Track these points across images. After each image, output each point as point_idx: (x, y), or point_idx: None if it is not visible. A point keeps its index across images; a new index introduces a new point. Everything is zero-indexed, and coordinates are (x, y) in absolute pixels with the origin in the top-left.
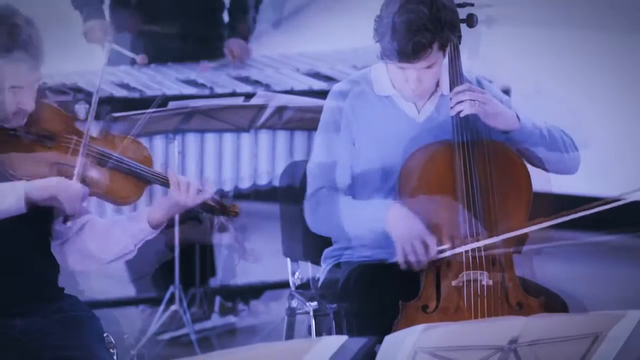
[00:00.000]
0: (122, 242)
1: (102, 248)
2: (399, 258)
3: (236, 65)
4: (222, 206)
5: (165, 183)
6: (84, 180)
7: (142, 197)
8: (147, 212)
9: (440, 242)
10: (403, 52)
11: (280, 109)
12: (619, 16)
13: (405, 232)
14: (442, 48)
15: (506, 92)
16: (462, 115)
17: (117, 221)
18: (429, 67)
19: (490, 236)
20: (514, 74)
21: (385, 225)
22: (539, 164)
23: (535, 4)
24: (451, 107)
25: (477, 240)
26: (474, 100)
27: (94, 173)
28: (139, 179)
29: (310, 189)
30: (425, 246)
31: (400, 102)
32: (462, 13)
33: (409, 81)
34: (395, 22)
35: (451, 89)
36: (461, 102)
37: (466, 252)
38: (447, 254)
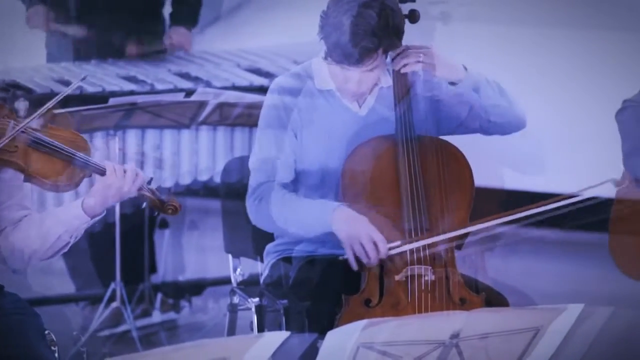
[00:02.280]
0: (57, 232)
1: (37, 241)
2: (349, 259)
3: (177, 54)
4: (159, 200)
5: (102, 172)
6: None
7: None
8: (82, 199)
9: (388, 239)
10: (349, 55)
11: (221, 105)
12: (573, 13)
13: (353, 233)
14: (386, 52)
15: None
16: (405, 70)
17: (52, 211)
18: (371, 69)
19: (433, 231)
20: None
21: (332, 227)
22: (492, 119)
23: (490, 2)
24: (398, 69)
25: (422, 236)
26: (417, 55)
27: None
28: (75, 166)
29: (252, 184)
30: (375, 245)
31: (342, 96)
32: (404, 9)
33: (350, 82)
34: (343, 24)
35: (395, 86)
36: (405, 59)
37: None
38: (398, 250)
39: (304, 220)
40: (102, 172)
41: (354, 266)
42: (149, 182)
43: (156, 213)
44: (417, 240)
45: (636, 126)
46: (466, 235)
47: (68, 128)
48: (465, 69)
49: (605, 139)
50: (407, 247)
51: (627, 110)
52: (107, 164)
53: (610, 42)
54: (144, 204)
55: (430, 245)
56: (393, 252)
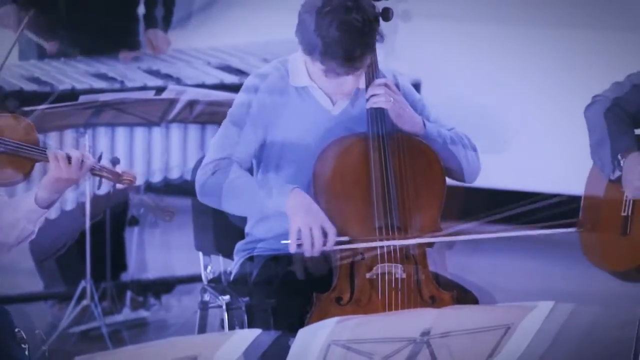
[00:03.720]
0: (18, 224)
1: (1, 233)
2: (291, 241)
3: (156, 57)
4: (114, 174)
5: (46, 160)
6: None
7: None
8: (35, 190)
9: (352, 235)
10: (344, 65)
11: (192, 103)
12: (537, 10)
13: (306, 217)
14: (372, 51)
15: (416, 85)
16: (375, 106)
17: (9, 203)
18: (364, 68)
19: (405, 228)
20: (430, 68)
21: (286, 207)
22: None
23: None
24: (367, 100)
25: (392, 233)
26: (389, 96)
27: None
28: (21, 158)
29: (209, 158)
30: (324, 234)
31: (316, 94)
32: (378, 6)
33: (345, 85)
34: (334, 38)
35: (367, 82)
36: (378, 95)
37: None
38: (345, 247)
39: (257, 199)
40: (47, 160)
41: (293, 248)
42: (99, 159)
43: (111, 189)
44: (382, 236)
45: (601, 120)
46: (442, 234)
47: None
48: (425, 125)
49: (574, 135)
50: (356, 245)
51: (595, 105)
52: (50, 153)
53: (576, 39)
54: (99, 184)
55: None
56: (339, 247)
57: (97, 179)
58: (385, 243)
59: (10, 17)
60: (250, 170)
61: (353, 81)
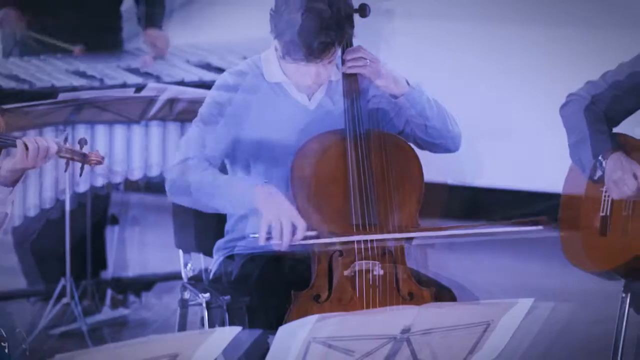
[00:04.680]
0: None
1: None
2: (260, 234)
3: (124, 55)
4: (80, 155)
5: (10, 144)
6: None
7: None
8: None
9: (329, 232)
10: (309, 52)
11: (171, 101)
12: (517, 9)
13: (276, 210)
14: (341, 43)
15: None
16: (351, 72)
17: None
18: (329, 62)
19: (382, 226)
20: (413, 66)
21: (255, 202)
22: (427, 138)
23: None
24: (343, 66)
25: (370, 230)
26: (366, 59)
27: None
28: None
29: (178, 158)
30: (293, 228)
31: (291, 90)
32: (355, 3)
33: (309, 76)
34: (297, 22)
35: (344, 81)
36: (353, 59)
37: (358, 242)
38: (313, 241)
39: (227, 195)
40: (13, 145)
41: (262, 240)
42: (65, 141)
43: (80, 172)
44: (359, 234)
45: (580, 119)
46: (418, 230)
47: None
48: (408, 84)
49: (550, 133)
50: (325, 240)
51: (571, 104)
52: (19, 141)
53: (555, 37)
54: (66, 167)
55: (378, 240)
56: (307, 242)
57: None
58: (355, 237)
59: (12, 19)
60: (222, 169)
61: (315, 74)
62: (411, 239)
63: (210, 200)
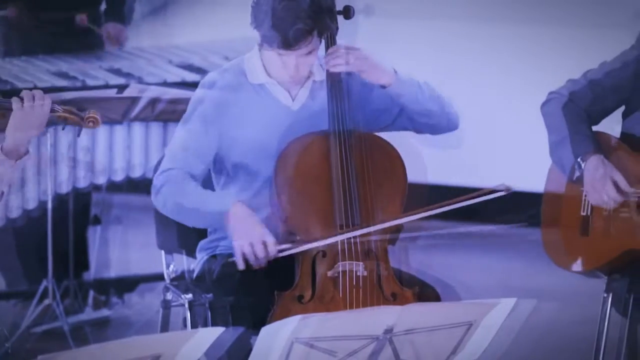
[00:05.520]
0: None
1: None
2: (237, 258)
3: (114, 49)
4: (77, 115)
5: (8, 106)
6: None
7: None
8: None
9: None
10: (285, 39)
11: (154, 101)
12: (498, 8)
13: (244, 233)
14: (320, 35)
15: None
16: (334, 70)
17: None
18: (308, 53)
19: (365, 226)
20: (392, 63)
21: (225, 221)
22: (424, 120)
23: None
24: (328, 68)
25: (354, 231)
26: (349, 56)
27: None
28: None
29: (162, 168)
30: (265, 246)
31: (275, 91)
32: (339, 4)
33: (287, 67)
34: (275, 9)
35: (328, 81)
36: (336, 57)
37: (342, 242)
38: (289, 252)
39: (201, 209)
40: (10, 107)
41: (241, 265)
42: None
43: (79, 134)
44: (342, 234)
45: (560, 118)
46: (399, 231)
47: None
48: (396, 72)
49: (533, 131)
50: (298, 249)
51: (552, 102)
52: (13, 98)
53: (537, 36)
54: (62, 127)
55: (362, 241)
56: (282, 254)
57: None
58: (335, 238)
59: None
60: (206, 180)
61: (294, 66)
62: (394, 240)
63: (185, 213)
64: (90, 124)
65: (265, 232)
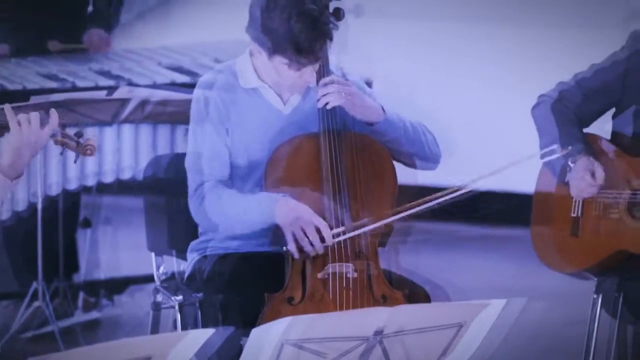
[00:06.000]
0: None
1: None
2: (290, 246)
3: (96, 57)
4: (76, 142)
5: (5, 126)
6: None
7: None
8: None
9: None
10: (307, 56)
11: (143, 103)
12: (484, 8)
13: (295, 221)
14: (331, 37)
15: (368, 84)
16: (328, 107)
17: None
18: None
19: (355, 227)
20: (381, 64)
21: (275, 217)
22: (403, 158)
23: None
24: (318, 99)
25: (343, 232)
26: (340, 92)
27: None
28: None
29: (193, 184)
30: (318, 231)
31: (267, 94)
32: (330, 6)
33: (302, 77)
34: (292, 29)
35: (318, 81)
36: (328, 93)
37: (331, 244)
38: (342, 238)
39: (246, 214)
40: (5, 126)
41: (296, 254)
42: (63, 127)
43: (75, 161)
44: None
45: (551, 121)
46: (390, 232)
47: None
48: (384, 111)
49: (524, 133)
50: (349, 235)
51: (542, 105)
52: (12, 117)
53: (528, 37)
54: (61, 152)
55: (351, 242)
56: (338, 239)
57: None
58: (352, 233)
59: None
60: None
61: (311, 72)
62: (385, 241)
63: (230, 220)
64: (88, 152)
65: (316, 217)
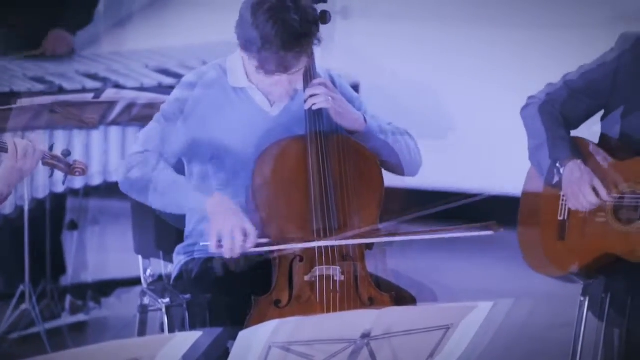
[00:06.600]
0: None
1: None
2: (211, 244)
3: (82, 55)
4: (65, 164)
5: (5, 149)
6: None
7: None
8: None
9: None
10: (283, 65)
11: (130, 105)
12: (473, 9)
13: (225, 219)
14: (311, 47)
15: (355, 87)
16: (315, 108)
17: None
18: (299, 71)
19: (343, 230)
20: (368, 65)
21: (207, 209)
22: (383, 165)
23: None
24: (305, 101)
25: (331, 234)
26: (327, 95)
27: None
28: None
29: (135, 149)
30: (245, 235)
31: (254, 95)
32: (317, 9)
33: (280, 84)
34: (270, 36)
35: (305, 83)
36: (315, 95)
37: (319, 247)
38: (265, 249)
39: (181, 198)
40: (5, 149)
41: (214, 251)
42: (51, 149)
43: (64, 182)
44: (319, 238)
45: (539, 123)
46: (377, 234)
47: None
48: (366, 121)
49: (514, 135)
50: (276, 248)
51: (531, 106)
52: (9, 140)
53: (519, 39)
54: (50, 174)
55: (339, 245)
56: (259, 250)
57: (42, 178)
58: (311, 244)
59: None
60: (178, 168)
61: (288, 82)
62: (371, 244)
63: (160, 198)
64: (77, 173)
65: (247, 221)
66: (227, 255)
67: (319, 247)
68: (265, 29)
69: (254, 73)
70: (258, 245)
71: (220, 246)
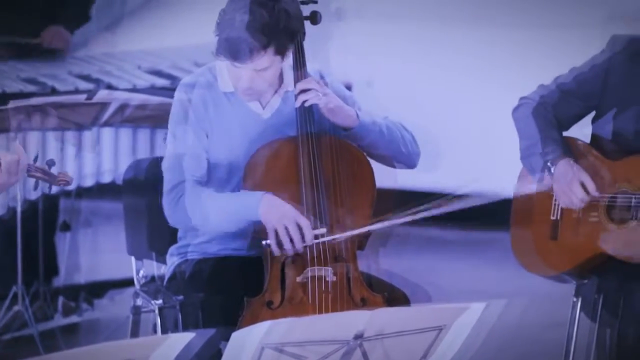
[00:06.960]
0: None
1: None
2: (271, 242)
3: (75, 56)
4: (49, 175)
5: None
6: None
7: None
8: None
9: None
10: (235, 51)
11: (123, 107)
12: (467, 9)
13: (278, 217)
14: (279, 53)
15: (348, 87)
16: (306, 104)
17: None
18: (263, 69)
19: (334, 231)
20: (362, 66)
21: (259, 214)
22: (380, 160)
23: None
24: (296, 98)
25: (322, 235)
26: (318, 91)
27: None
28: None
29: (169, 184)
30: (300, 229)
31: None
32: (306, 10)
33: (242, 80)
34: (235, 21)
35: (295, 83)
36: (305, 91)
37: (310, 248)
38: (324, 240)
39: (228, 213)
40: None
41: (276, 251)
42: (35, 160)
43: (49, 191)
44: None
45: (531, 123)
46: (368, 235)
47: None
48: (358, 116)
49: (504, 136)
50: (331, 238)
51: (522, 107)
52: None
53: (518, 39)
54: (35, 187)
55: (330, 246)
56: (319, 240)
57: (33, 180)
58: (332, 237)
59: None
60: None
61: (249, 78)
62: (363, 245)
63: (210, 219)
64: (62, 183)
65: (299, 216)
66: (290, 252)
67: (311, 247)
68: (235, 14)
69: (232, 76)
70: (317, 236)
71: (282, 246)
